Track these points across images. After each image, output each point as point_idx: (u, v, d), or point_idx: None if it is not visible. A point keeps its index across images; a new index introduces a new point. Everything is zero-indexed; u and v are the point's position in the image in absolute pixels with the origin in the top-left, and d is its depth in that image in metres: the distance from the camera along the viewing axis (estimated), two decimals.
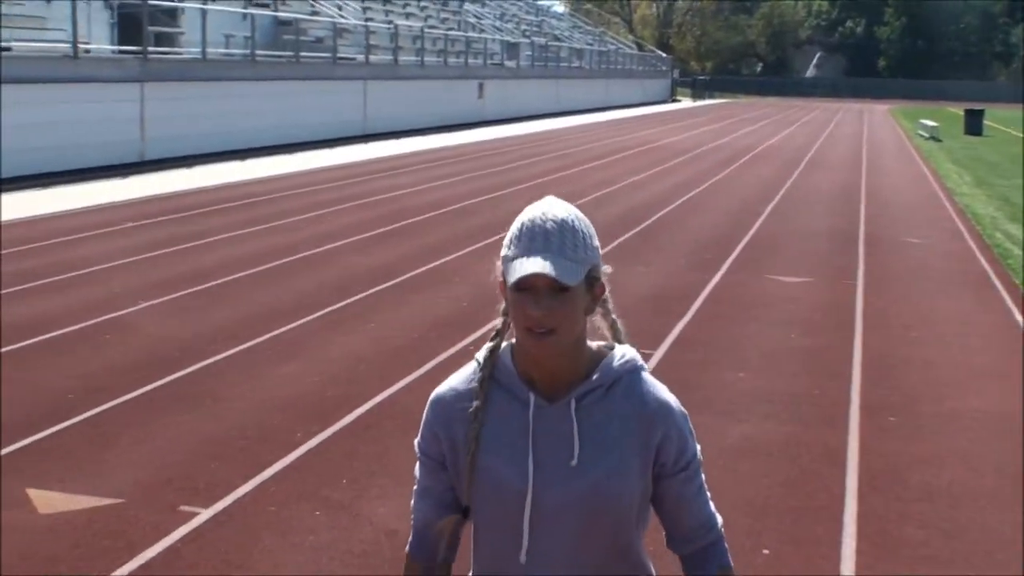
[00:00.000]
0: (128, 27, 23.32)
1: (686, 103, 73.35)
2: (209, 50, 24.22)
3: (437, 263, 11.56)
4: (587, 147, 29.52)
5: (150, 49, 22.33)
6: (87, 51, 21.21)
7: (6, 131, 17.54)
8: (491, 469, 2.43)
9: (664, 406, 2.47)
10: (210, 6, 26.18)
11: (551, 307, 2.32)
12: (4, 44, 18.77)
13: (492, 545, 2.47)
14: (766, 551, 4.95)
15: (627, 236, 13.60)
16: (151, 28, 22.84)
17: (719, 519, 2.56)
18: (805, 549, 5.00)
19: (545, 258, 2.33)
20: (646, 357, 7.69)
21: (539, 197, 2.38)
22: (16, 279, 10.20)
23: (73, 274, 10.58)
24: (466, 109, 38.14)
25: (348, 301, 9.70)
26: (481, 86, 40.13)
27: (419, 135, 31.67)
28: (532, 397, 2.43)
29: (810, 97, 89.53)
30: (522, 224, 2.37)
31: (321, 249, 12.22)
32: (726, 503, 5.23)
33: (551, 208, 2.37)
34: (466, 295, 9.95)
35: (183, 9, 25.58)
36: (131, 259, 11.38)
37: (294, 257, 11.69)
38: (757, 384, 7.44)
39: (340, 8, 35.88)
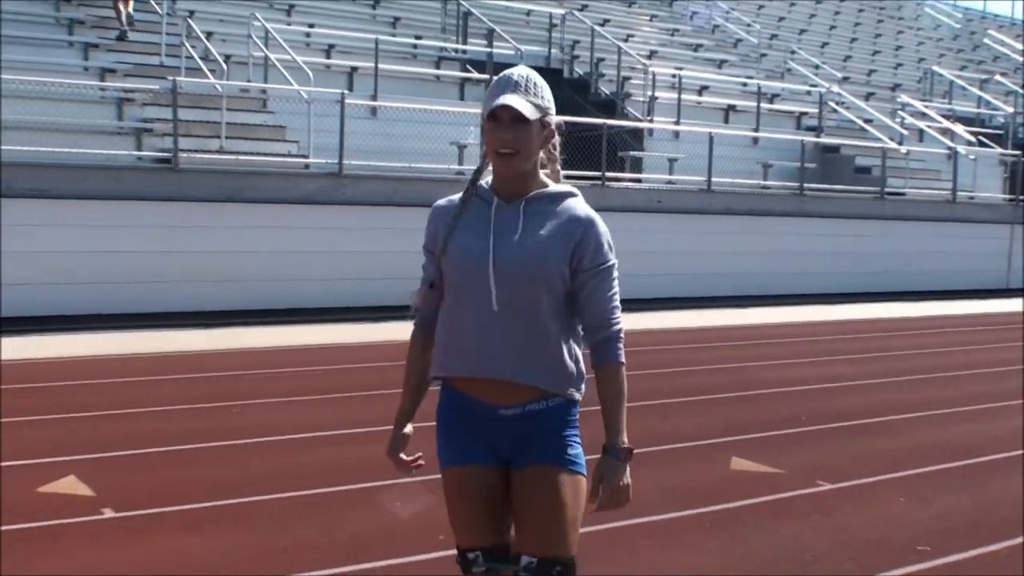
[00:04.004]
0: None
1: None
2: None
3: None
4: None
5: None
6: (971, 197, 22.15)
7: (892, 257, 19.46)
8: (463, 242, 2.90)
9: (588, 218, 2.93)
10: None
11: (516, 134, 2.82)
12: (898, 189, 20.59)
13: (465, 304, 2.93)
14: None
15: None
16: None
17: (618, 324, 2.94)
18: None
19: (511, 96, 2.81)
20: None
21: None
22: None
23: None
24: None
25: None
26: None
27: None
28: (495, 200, 2.94)
29: None
30: (498, 77, 2.90)
31: None
32: None
33: (521, 68, 2.91)
34: None
35: None
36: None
37: None
38: None
39: None
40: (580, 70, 21.54)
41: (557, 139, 2.98)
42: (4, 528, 5.23)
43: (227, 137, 14.24)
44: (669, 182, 18.35)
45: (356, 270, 13.95)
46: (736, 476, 6.64)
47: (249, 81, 16.06)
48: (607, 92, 20.79)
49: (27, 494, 5.77)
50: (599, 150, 16.80)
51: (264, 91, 15.93)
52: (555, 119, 2.92)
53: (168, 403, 8.24)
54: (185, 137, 13.53)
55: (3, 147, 11.93)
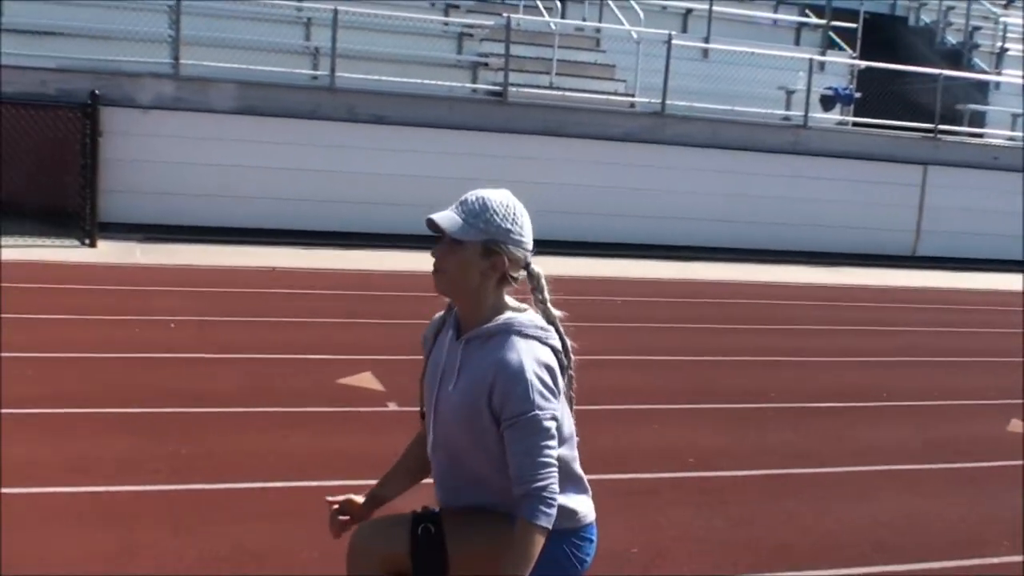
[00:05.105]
0: None
1: None
2: None
3: None
4: None
5: None
6: None
7: None
8: (426, 376, 2.74)
9: (502, 362, 2.52)
10: None
11: (444, 252, 2.55)
12: None
13: (429, 433, 2.76)
14: None
15: None
16: None
17: (536, 482, 2.49)
18: None
19: (443, 212, 2.55)
20: None
21: None
22: None
23: None
24: None
25: None
26: None
27: None
28: (451, 334, 2.67)
29: None
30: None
31: None
32: None
33: (491, 191, 2.58)
34: None
35: None
36: None
37: None
38: None
39: None
40: (927, 18, 20.59)
41: (542, 276, 2.69)
42: (303, 409, 5.94)
43: (557, 74, 14.77)
44: (1010, 138, 17.33)
45: (672, 208, 14.16)
46: (1007, 437, 6.45)
47: (584, 20, 16.49)
48: (953, 42, 19.79)
49: (328, 383, 6.48)
50: (934, 102, 16.13)
51: (598, 30, 16.32)
52: (514, 252, 2.58)
53: None
54: (517, 72, 14.15)
55: (347, 75, 13.08)
